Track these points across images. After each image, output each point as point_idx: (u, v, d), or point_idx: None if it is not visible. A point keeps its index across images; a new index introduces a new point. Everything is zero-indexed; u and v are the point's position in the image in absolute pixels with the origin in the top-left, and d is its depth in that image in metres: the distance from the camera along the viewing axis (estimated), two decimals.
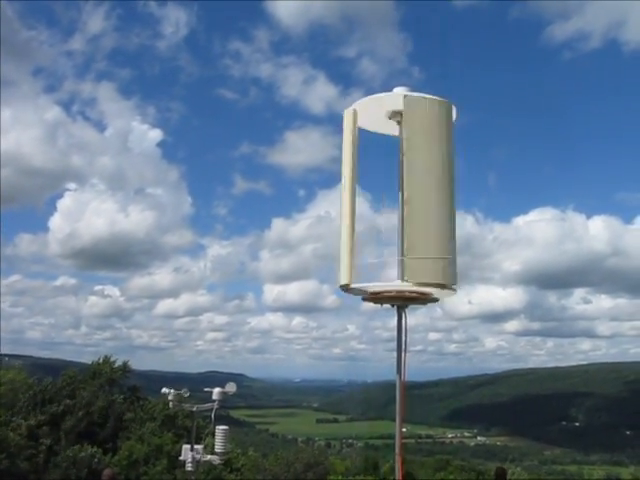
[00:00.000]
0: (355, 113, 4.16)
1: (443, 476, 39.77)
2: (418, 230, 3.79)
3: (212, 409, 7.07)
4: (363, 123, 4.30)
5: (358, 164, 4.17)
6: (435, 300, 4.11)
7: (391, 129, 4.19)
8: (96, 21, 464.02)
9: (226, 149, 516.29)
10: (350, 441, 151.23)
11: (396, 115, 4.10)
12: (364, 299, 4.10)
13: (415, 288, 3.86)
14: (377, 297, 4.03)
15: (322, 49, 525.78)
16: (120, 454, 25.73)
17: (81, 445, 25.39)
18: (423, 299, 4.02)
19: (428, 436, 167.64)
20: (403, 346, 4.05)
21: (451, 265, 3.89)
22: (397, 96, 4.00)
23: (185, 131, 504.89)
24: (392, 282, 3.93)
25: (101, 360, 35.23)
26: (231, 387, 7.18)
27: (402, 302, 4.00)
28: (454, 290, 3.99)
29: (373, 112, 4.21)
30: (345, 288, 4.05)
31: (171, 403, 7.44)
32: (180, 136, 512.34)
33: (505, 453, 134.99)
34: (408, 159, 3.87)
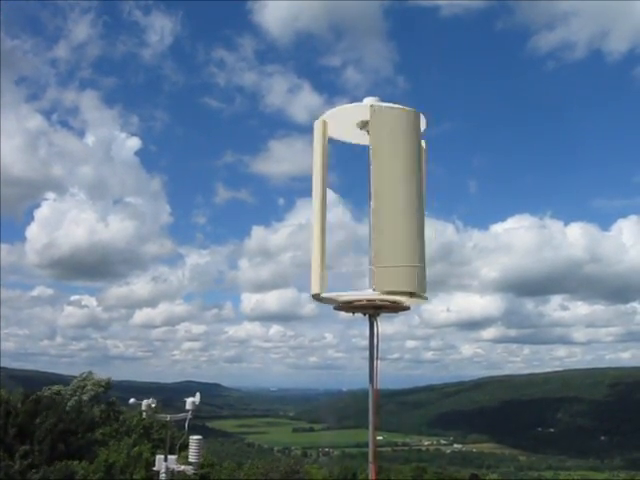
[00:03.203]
0: (325, 124, 4.18)
1: None
2: (385, 239, 3.81)
3: (186, 419, 7.05)
4: (336, 133, 4.32)
5: (331, 174, 4.20)
6: (406, 308, 4.11)
7: (362, 139, 4.22)
8: (81, 29, 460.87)
9: (209, 158, 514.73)
10: (327, 450, 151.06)
11: (366, 125, 4.13)
12: (336, 308, 4.11)
13: (385, 297, 3.88)
14: (349, 306, 4.04)
15: (308, 58, 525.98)
16: (96, 463, 25.60)
17: (57, 458, 25.22)
18: (394, 307, 4.03)
19: (404, 444, 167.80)
20: (375, 354, 4.05)
21: (420, 273, 3.90)
22: (366, 106, 4.03)
23: (168, 140, 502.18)
24: (364, 291, 3.95)
25: (85, 375, 35.20)
26: (196, 398, 7.18)
27: (373, 311, 4.01)
28: (425, 298, 4.01)
29: (344, 122, 4.24)
30: (316, 297, 4.06)
31: (145, 413, 7.39)
32: (163, 145, 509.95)
33: (481, 460, 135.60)
34: (374, 168, 3.90)
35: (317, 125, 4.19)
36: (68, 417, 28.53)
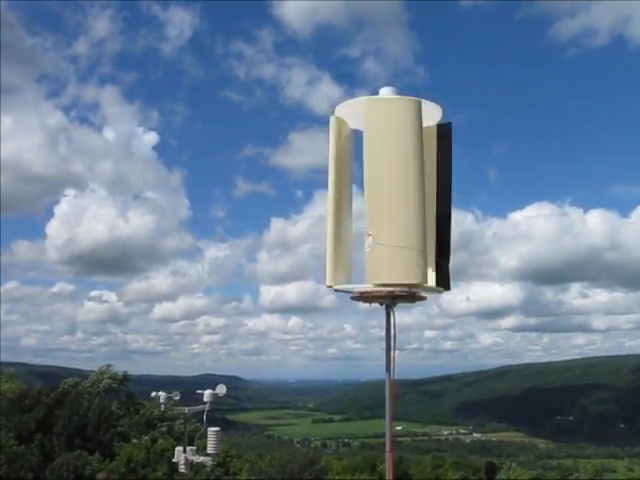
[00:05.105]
0: (340, 117, 4.14)
1: (440, 473, 39.88)
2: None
3: (204, 411, 7.07)
4: (356, 124, 4.31)
5: (350, 167, 4.29)
6: (423, 298, 4.11)
7: None
8: (101, 25, 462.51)
9: (229, 151, 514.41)
10: (346, 440, 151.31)
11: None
12: (353, 298, 4.12)
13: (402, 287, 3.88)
14: (365, 296, 4.04)
15: (327, 50, 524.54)
16: (118, 459, 25.73)
17: (75, 450, 25.39)
18: (411, 297, 4.03)
19: (424, 434, 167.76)
20: (392, 345, 4.05)
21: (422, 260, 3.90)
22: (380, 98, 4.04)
23: (188, 134, 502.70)
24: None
25: (104, 369, 35.46)
26: (221, 389, 7.17)
27: (390, 301, 4.01)
28: (440, 290, 4.01)
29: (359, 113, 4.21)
30: (332, 288, 4.07)
31: (163, 406, 7.44)
32: (183, 139, 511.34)
33: (501, 449, 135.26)
34: (369, 163, 3.93)
35: (333, 119, 4.13)
36: (86, 411, 28.71)
